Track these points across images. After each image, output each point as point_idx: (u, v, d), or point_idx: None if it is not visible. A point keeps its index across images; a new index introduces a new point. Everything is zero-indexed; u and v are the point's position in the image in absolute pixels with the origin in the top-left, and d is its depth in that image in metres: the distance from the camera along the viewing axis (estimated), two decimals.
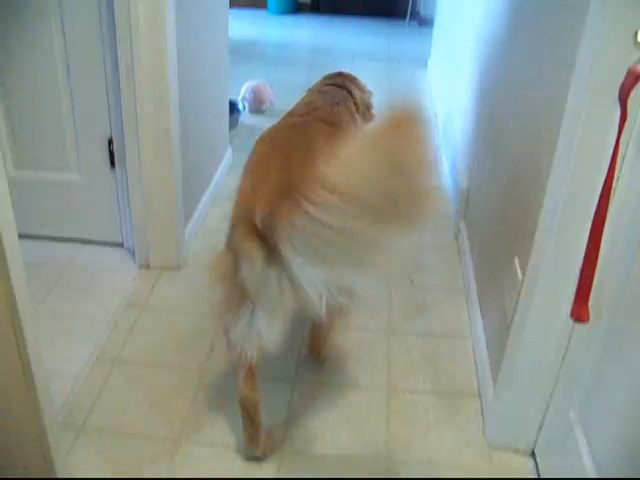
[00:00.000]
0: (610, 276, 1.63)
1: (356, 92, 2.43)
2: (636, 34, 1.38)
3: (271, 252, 1.58)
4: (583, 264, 1.50)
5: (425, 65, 6.01)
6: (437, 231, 3.30)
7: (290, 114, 2.22)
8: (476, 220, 2.89)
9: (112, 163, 2.80)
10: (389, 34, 7.19)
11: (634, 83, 1.32)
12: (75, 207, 2.94)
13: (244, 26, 6.94)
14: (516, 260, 2.03)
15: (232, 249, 1.75)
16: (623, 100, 1.35)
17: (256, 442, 2.03)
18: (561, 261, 1.73)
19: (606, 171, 1.41)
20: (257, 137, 2.02)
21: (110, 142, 2.76)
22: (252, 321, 1.76)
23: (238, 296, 1.75)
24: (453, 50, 4.33)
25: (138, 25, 2.42)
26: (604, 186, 1.41)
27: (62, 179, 2.89)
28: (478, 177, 2.96)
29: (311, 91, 2.43)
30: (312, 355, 2.45)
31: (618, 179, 1.57)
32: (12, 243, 1.71)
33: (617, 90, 1.36)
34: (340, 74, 2.53)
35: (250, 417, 2.00)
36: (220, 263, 1.82)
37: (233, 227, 1.77)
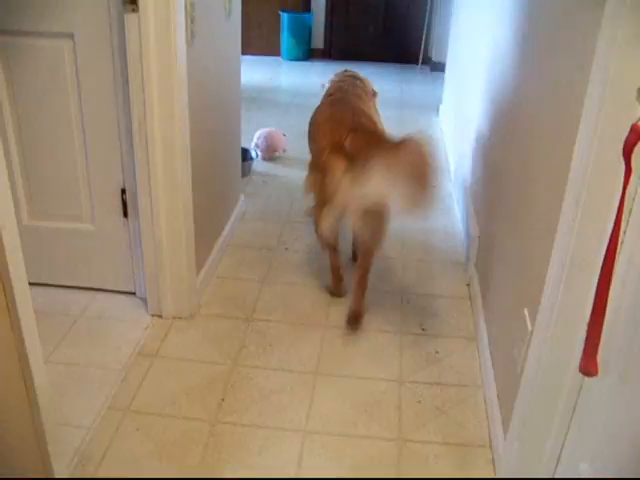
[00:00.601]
0: (619, 328, 1.63)
1: (358, 82, 3.50)
2: (638, 90, 1.39)
3: (349, 165, 2.63)
4: (590, 318, 1.51)
5: (437, 110, 6.06)
6: (449, 278, 3.31)
7: (331, 94, 3.31)
8: (487, 268, 2.89)
9: (125, 213, 2.83)
10: (401, 80, 7.28)
11: (637, 139, 1.34)
12: (88, 256, 2.96)
13: (257, 72, 7.02)
14: (525, 311, 2.03)
15: (321, 169, 2.76)
16: (627, 156, 1.36)
17: (340, 290, 3.17)
18: (570, 314, 1.73)
19: (612, 224, 1.42)
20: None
21: (123, 192, 2.79)
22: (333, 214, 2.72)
23: (324, 199, 2.74)
24: (463, 96, 4.37)
25: (150, 77, 2.47)
26: (610, 239, 1.42)
27: (76, 228, 2.92)
28: (488, 224, 2.97)
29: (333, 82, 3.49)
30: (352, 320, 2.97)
31: (625, 232, 1.57)
32: (23, 292, 1.74)
33: (621, 146, 1.38)
34: (345, 70, 3.65)
35: (337, 277, 3.17)
36: (312, 180, 2.94)
37: (320, 153, 2.80)
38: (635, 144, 1.34)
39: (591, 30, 1.57)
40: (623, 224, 1.52)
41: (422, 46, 7.79)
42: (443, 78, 6.07)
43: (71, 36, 2.57)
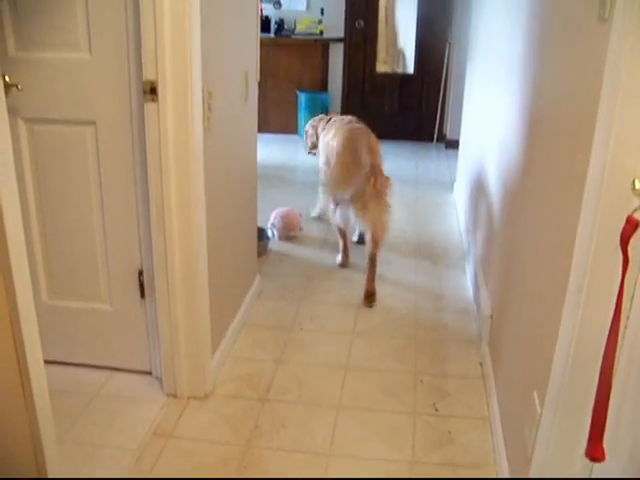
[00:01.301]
0: (626, 412, 1.65)
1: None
2: (634, 182, 1.45)
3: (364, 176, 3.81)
4: (595, 404, 1.52)
5: (451, 187, 6.14)
6: (462, 358, 3.32)
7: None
8: (499, 348, 2.91)
9: (142, 294, 2.89)
10: (416, 157, 7.38)
11: (633, 230, 1.38)
12: (106, 336, 3.01)
13: (275, 151, 7.12)
14: (535, 394, 2.04)
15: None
16: (624, 246, 1.40)
17: (346, 261, 4.43)
18: (576, 399, 1.75)
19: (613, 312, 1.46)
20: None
21: (140, 273, 2.85)
22: (343, 211, 4.03)
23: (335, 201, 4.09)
24: (475, 174, 4.44)
25: (168, 163, 2.56)
26: (611, 328, 1.46)
27: (94, 308, 2.98)
28: (500, 304, 2.99)
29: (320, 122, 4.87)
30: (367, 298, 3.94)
31: (629, 317, 1.60)
32: (39, 374, 1.78)
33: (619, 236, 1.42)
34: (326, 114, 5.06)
35: (345, 252, 4.42)
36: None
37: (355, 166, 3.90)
38: (631, 235, 1.39)
39: (589, 123, 1.64)
40: (626, 311, 1.56)
41: (437, 124, 7.92)
42: (457, 155, 6.17)
43: (93, 123, 2.68)
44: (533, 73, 2.65)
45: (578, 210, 1.67)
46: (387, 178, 3.97)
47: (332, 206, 4.15)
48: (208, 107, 2.67)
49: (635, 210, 1.40)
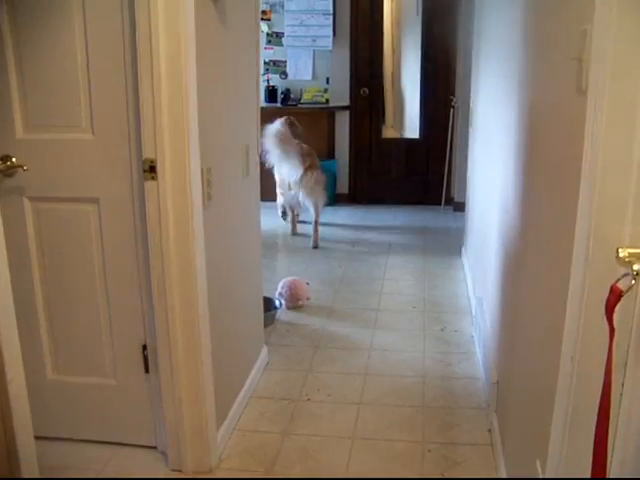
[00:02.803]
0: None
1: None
2: (617, 251, 1.46)
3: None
4: (592, 473, 1.51)
5: (460, 251, 6.14)
6: (471, 425, 3.28)
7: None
8: (506, 414, 2.88)
9: (146, 368, 2.89)
10: (424, 221, 7.41)
11: (617, 300, 1.39)
12: (110, 410, 3.01)
13: (281, 219, 7.14)
14: (537, 463, 2.02)
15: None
16: (609, 316, 1.41)
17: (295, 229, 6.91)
18: (576, 467, 1.74)
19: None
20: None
21: (144, 348, 2.87)
22: (294, 195, 6.53)
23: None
24: (480, 238, 4.45)
25: (169, 239, 2.61)
26: (602, 400, 1.46)
27: (98, 383, 2.98)
28: (505, 370, 2.98)
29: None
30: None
31: (623, 385, 1.60)
32: (28, 447, 1.78)
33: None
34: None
35: (294, 224, 6.88)
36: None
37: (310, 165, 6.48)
38: (615, 304, 1.39)
39: (573, 191, 1.66)
40: (620, 379, 1.56)
41: (444, 187, 7.96)
42: (465, 218, 6.18)
43: (96, 201, 2.74)
44: (524, 141, 2.68)
45: (567, 279, 1.68)
46: (322, 173, 6.47)
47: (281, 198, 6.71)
48: (207, 183, 2.72)
49: (618, 279, 1.41)
